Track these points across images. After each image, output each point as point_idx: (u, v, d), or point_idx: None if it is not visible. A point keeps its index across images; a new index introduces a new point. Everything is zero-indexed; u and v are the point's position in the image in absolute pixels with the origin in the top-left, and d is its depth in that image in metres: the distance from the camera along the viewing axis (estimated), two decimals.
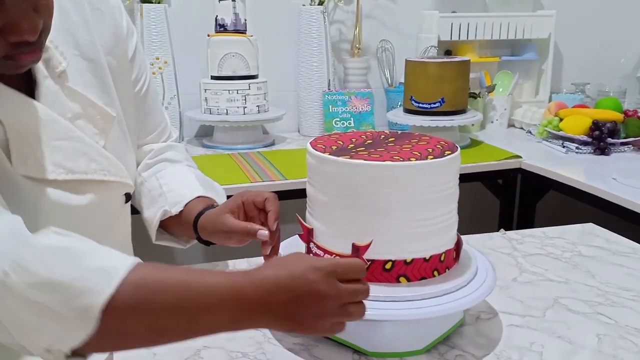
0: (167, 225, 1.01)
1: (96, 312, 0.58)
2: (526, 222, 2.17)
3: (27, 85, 0.80)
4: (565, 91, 2.61)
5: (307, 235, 0.91)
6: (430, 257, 0.86)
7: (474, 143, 2.21)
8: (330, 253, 0.87)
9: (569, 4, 2.60)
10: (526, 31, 2.46)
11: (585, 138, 2.06)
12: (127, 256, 0.63)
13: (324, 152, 0.87)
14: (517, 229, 1.79)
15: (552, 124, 2.18)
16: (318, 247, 0.90)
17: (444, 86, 2.05)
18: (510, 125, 2.51)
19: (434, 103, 2.06)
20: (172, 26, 2.11)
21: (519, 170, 2.01)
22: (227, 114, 2.08)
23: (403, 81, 2.21)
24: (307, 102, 2.30)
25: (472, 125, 2.33)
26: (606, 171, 1.84)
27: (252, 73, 2.10)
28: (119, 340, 0.63)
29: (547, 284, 1.09)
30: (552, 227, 1.37)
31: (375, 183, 0.82)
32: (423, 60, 2.11)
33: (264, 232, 0.89)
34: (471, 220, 2.09)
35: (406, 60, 2.14)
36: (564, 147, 2.09)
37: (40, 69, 0.81)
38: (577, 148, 2.07)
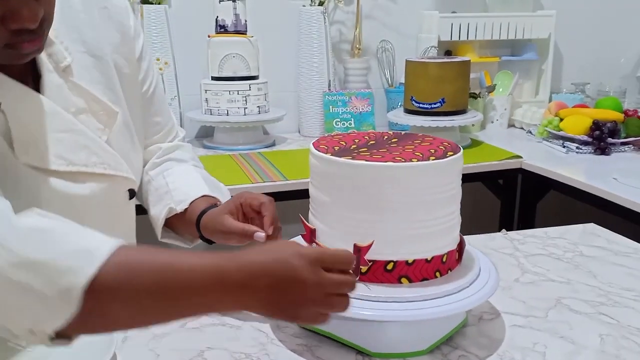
0: (172, 223, 1.03)
1: (78, 292, 0.57)
2: (527, 222, 2.17)
3: (33, 80, 0.82)
4: (565, 91, 2.61)
5: (310, 236, 0.92)
6: (432, 258, 0.86)
7: (475, 143, 2.21)
8: None
9: (569, 4, 2.60)
10: (526, 31, 2.46)
11: (585, 138, 2.06)
12: (111, 238, 0.62)
13: (326, 153, 0.87)
14: (518, 229, 1.79)
15: (552, 124, 2.18)
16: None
17: (444, 86, 2.05)
18: (511, 125, 2.51)
19: (435, 103, 2.06)
20: (172, 27, 2.11)
21: (520, 170, 2.01)
22: (227, 114, 2.08)
23: (403, 81, 2.21)
24: (308, 103, 2.30)
25: (473, 125, 2.33)
26: (607, 171, 1.84)
27: (253, 74, 2.10)
28: (103, 322, 0.62)
29: (549, 284, 1.09)
30: (554, 227, 1.37)
31: (377, 184, 0.83)
32: (423, 60, 2.11)
33: (260, 235, 0.90)
34: (471, 220, 2.08)
35: (406, 61, 2.14)
36: (564, 147, 2.09)
37: (45, 63, 0.82)
38: (577, 148, 2.07)
